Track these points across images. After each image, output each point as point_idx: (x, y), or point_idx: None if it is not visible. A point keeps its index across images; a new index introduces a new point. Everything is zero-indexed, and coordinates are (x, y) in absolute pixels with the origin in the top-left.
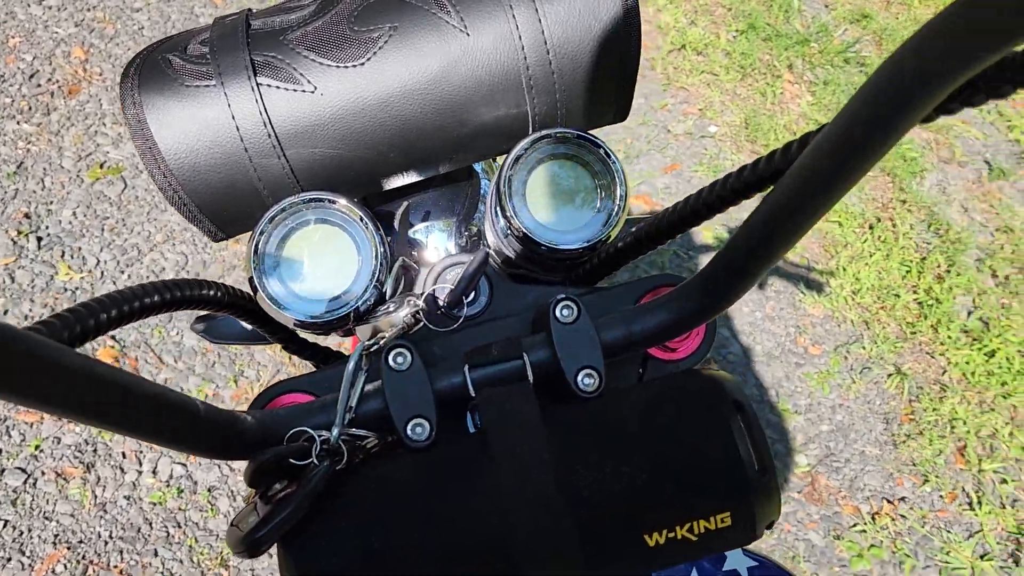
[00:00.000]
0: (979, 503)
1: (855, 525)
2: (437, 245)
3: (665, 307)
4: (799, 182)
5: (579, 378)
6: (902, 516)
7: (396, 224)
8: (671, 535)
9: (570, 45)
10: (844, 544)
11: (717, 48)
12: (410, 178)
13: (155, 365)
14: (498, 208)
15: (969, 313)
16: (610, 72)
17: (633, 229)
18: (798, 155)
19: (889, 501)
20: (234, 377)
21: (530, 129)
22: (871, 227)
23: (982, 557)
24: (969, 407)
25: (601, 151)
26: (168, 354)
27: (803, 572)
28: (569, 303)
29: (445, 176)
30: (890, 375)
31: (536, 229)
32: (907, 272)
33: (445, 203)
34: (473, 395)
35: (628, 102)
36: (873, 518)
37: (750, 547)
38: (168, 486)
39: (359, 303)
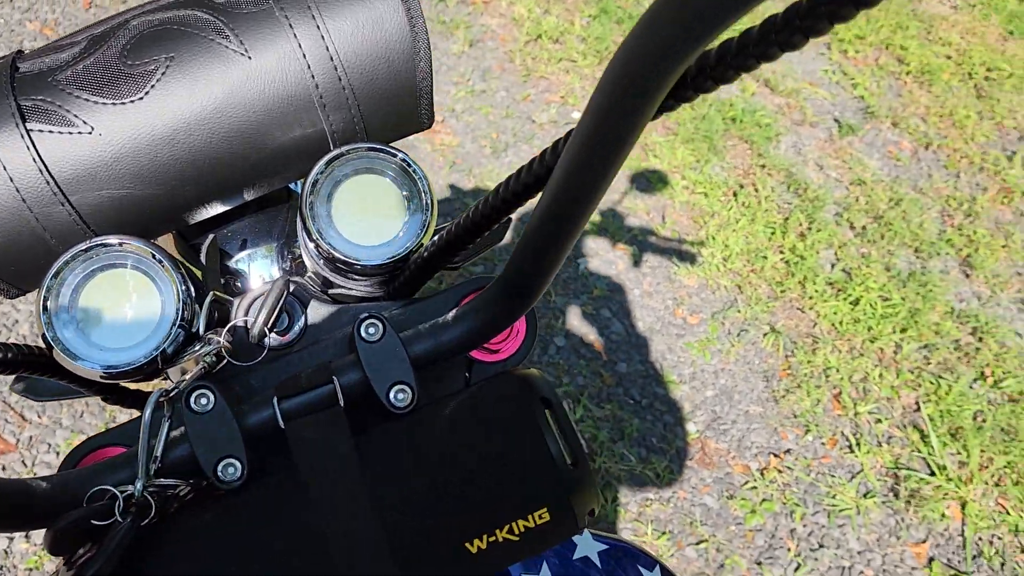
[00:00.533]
0: (858, 445)
1: (746, 483)
2: (261, 272)
3: (470, 315)
4: (565, 176)
5: (391, 395)
6: (788, 468)
7: (203, 258)
8: (492, 539)
9: (359, 59)
10: (737, 503)
11: (572, 35)
12: (216, 209)
13: (17, 424)
14: (304, 233)
15: (832, 266)
16: (405, 81)
17: (435, 237)
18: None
19: (775, 455)
20: (105, 424)
21: (330, 146)
22: (735, 194)
23: (865, 495)
24: (840, 355)
25: (400, 160)
26: (30, 410)
27: (702, 535)
28: (374, 321)
29: (261, 201)
30: (765, 334)
31: (346, 248)
32: (772, 233)
33: (262, 229)
34: (283, 427)
35: (430, 108)
36: (762, 474)
37: (611, 532)
38: None
39: (165, 346)
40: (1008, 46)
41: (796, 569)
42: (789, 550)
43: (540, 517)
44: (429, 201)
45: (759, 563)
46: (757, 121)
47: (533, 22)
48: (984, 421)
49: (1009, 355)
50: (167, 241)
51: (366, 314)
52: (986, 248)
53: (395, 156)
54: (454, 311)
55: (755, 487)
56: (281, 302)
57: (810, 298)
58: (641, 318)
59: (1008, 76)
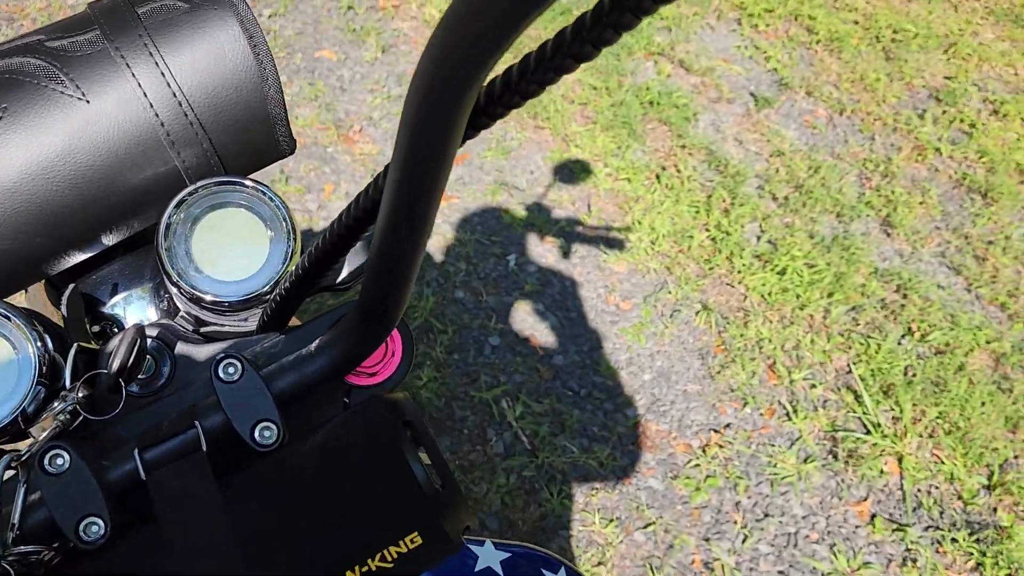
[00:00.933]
0: (795, 412)
1: (689, 462)
2: (139, 315)
3: (332, 344)
4: (391, 199)
5: (256, 433)
6: (729, 442)
7: (64, 308)
8: (365, 569)
9: (204, 92)
10: (682, 482)
11: None
12: (78, 257)
13: None
14: (165, 276)
15: (758, 238)
16: (256, 110)
17: (295, 266)
18: None
19: (716, 431)
20: None
21: (185, 182)
22: (658, 177)
23: (805, 461)
24: (772, 325)
25: (255, 190)
26: None
27: (649, 518)
28: (231, 361)
29: (132, 241)
30: (697, 312)
31: (209, 287)
32: (696, 212)
33: (134, 270)
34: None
35: (288, 135)
36: (704, 451)
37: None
38: None
39: (25, 404)
40: (912, 7)
41: (743, 541)
42: (735, 523)
43: (412, 541)
44: (290, 228)
45: (707, 539)
46: (674, 102)
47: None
48: (914, 376)
49: (933, 308)
50: (39, 290)
51: (223, 354)
52: (904, 206)
53: (248, 187)
54: (316, 341)
55: (698, 465)
56: (134, 350)
57: (738, 272)
58: (574, 309)
59: (913, 36)
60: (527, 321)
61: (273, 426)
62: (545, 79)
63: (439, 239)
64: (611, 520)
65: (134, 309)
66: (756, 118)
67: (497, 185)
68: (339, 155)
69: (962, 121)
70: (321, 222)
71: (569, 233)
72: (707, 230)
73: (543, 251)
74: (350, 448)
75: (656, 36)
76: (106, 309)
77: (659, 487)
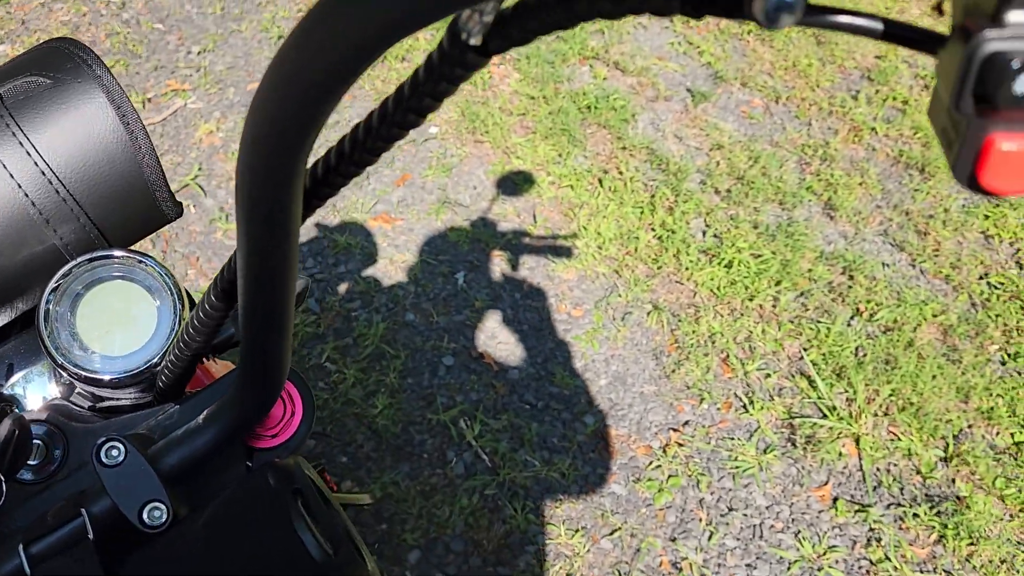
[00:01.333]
0: (751, 403)
1: (651, 463)
2: (40, 392)
3: (220, 414)
4: (244, 267)
5: (144, 515)
6: (689, 440)
7: None
8: None
9: (75, 167)
10: (644, 485)
11: (418, 50)
12: None
13: None
14: (50, 360)
15: (703, 233)
16: (133, 179)
17: (180, 334)
18: None
19: (675, 430)
20: None
21: (66, 259)
22: (600, 181)
23: (765, 451)
24: (723, 319)
25: (133, 260)
26: None
27: (615, 524)
28: (114, 444)
29: (27, 318)
30: (649, 313)
31: (96, 364)
32: (641, 213)
33: (27, 350)
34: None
35: (171, 200)
36: (664, 451)
37: None
38: None
39: None
40: None
41: (709, 538)
42: (700, 520)
43: None
44: (176, 295)
45: (673, 539)
46: (612, 105)
47: None
48: (865, 356)
49: (879, 287)
50: None
51: (104, 438)
52: (844, 188)
53: (124, 259)
54: (205, 412)
55: (659, 466)
56: (12, 442)
57: (686, 269)
58: (526, 321)
59: None
60: (480, 338)
61: (162, 506)
62: (363, 160)
63: (385, 263)
64: (577, 530)
65: (33, 388)
66: (694, 113)
67: (440, 203)
68: None
69: (895, 99)
70: None
71: (516, 246)
72: (653, 230)
73: (491, 266)
74: (240, 522)
75: (590, 40)
76: (4, 390)
77: (622, 492)
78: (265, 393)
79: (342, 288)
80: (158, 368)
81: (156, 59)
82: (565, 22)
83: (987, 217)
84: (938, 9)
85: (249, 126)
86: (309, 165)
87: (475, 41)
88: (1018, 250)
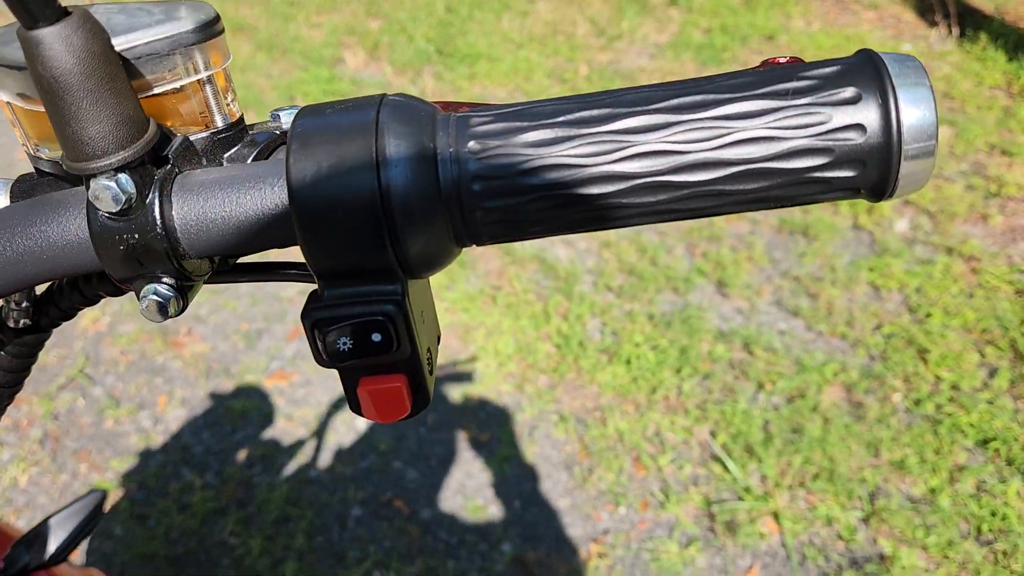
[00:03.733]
0: (668, 498)
1: None
2: None
3: None
4: None
5: None
6: (610, 547)
7: None
8: None
9: None
10: None
11: None
12: None
13: None
14: None
15: (600, 333)
16: None
17: None
18: None
19: (594, 540)
20: None
21: None
22: (494, 298)
23: (687, 545)
24: (629, 417)
25: None
26: None
27: None
28: None
29: None
30: (555, 423)
31: None
32: (537, 324)
33: None
34: None
35: None
36: (586, 565)
37: None
38: None
39: None
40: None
41: None
42: None
43: None
44: None
45: None
46: None
47: None
48: (772, 429)
49: (779, 357)
50: None
51: None
52: (733, 265)
53: None
54: None
55: None
56: None
57: (587, 372)
58: (434, 455)
59: None
60: (387, 482)
61: None
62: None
63: (284, 422)
64: None
65: None
66: None
67: None
68: (169, 362)
69: None
70: (160, 437)
71: None
72: (550, 338)
73: None
74: None
75: None
76: None
77: None
78: None
79: (241, 456)
80: None
81: None
82: (86, 301)
83: (872, 269)
84: None
85: None
86: None
87: (23, 324)
88: (907, 296)
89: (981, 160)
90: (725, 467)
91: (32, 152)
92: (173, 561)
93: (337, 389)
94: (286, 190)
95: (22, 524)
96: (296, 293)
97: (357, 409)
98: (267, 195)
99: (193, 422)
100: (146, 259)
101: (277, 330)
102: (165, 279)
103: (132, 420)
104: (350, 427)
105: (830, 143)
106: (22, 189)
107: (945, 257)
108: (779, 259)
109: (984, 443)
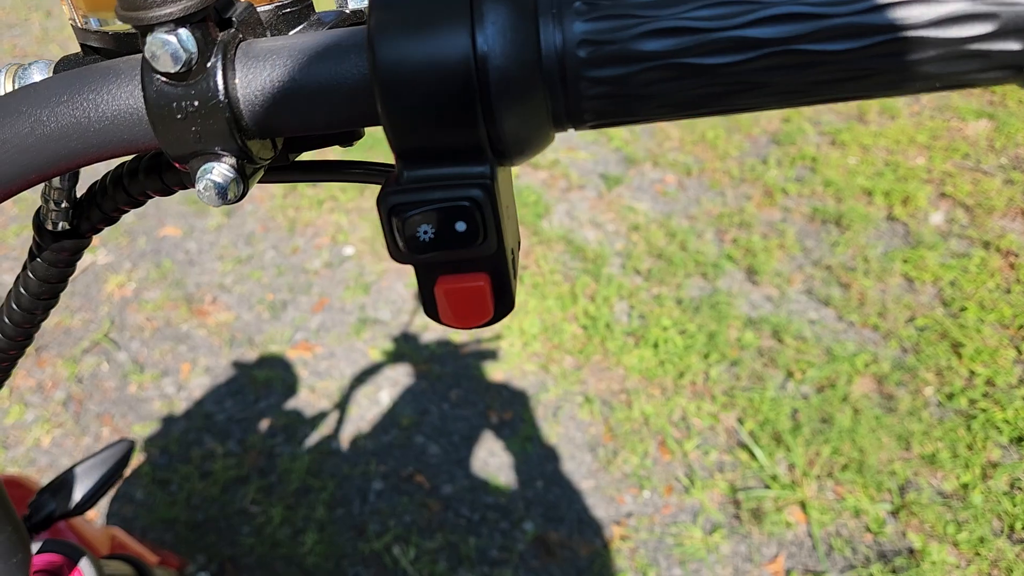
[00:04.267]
0: (693, 483)
1: (596, 563)
2: None
3: None
4: None
5: None
6: (633, 531)
7: None
8: None
9: None
10: None
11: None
12: None
13: None
14: None
15: (628, 316)
16: None
17: None
18: None
19: (617, 523)
20: None
21: None
22: (520, 278)
23: (712, 532)
24: (655, 401)
25: None
26: None
27: None
28: None
29: None
30: (580, 405)
31: None
32: (563, 305)
33: None
34: None
35: None
36: (608, 547)
37: None
38: None
39: None
40: None
41: None
42: None
43: None
44: None
45: None
46: (525, 201)
47: None
48: (801, 418)
49: (808, 346)
50: None
51: None
52: (764, 252)
53: None
54: None
55: (605, 564)
56: None
57: (614, 355)
58: (456, 431)
59: None
60: (409, 456)
61: None
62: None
63: (307, 393)
64: None
65: None
66: (609, 198)
67: (361, 323)
68: (194, 330)
69: (804, 158)
70: (182, 404)
71: (440, 355)
72: (576, 319)
73: (416, 379)
74: None
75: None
76: None
77: None
78: None
79: (263, 425)
80: None
81: None
82: (132, 202)
83: (906, 261)
84: None
85: None
86: None
87: (61, 227)
88: (941, 289)
89: (1021, 155)
90: (752, 454)
91: (79, 25)
92: (194, 527)
93: (360, 362)
94: (366, 56)
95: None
96: (321, 265)
97: (433, 312)
98: (344, 63)
99: (216, 390)
100: (205, 132)
101: (302, 301)
102: (225, 159)
103: (155, 386)
104: (372, 401)
105: (995, 7)
106: (67, 68)
107: (982, 251)
108: (810, 248)
109: (1019, 440)
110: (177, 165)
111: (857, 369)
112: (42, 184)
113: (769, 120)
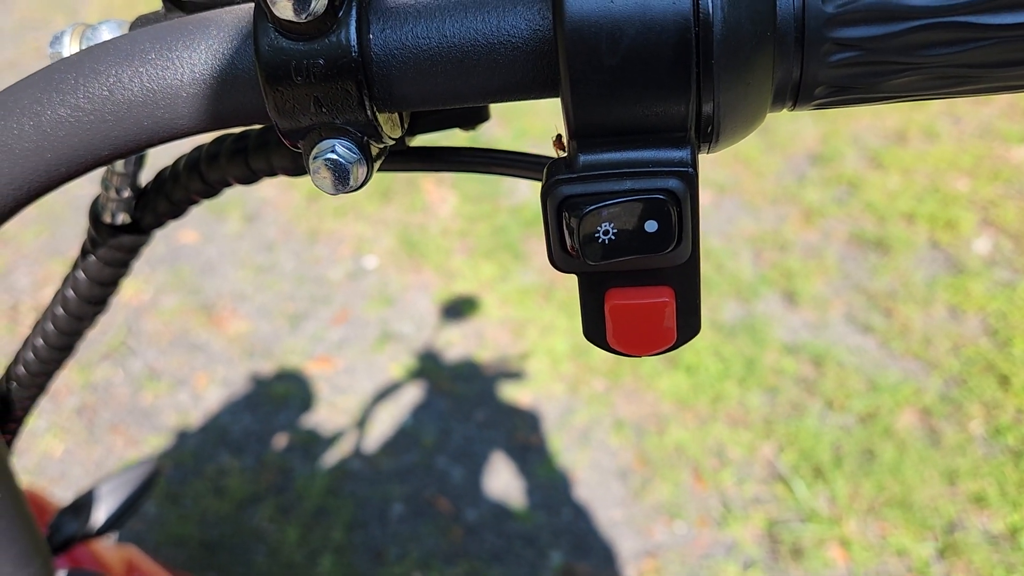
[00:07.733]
0: (728, 516)
1: None
2: None
3: None
4: None
5: None
6: (665, 565)
7: None
8: None
9: None
10: None
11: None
12: None
13: None
14: None
15: None
16: None
17: None
18: None
19: (648, 555)
20: None
21: None
22: (548, 295)
23: (747, 568)
24: (689, 427)
25: None
26: None
27: None
28: None
29: None
30: (611, 430)
31: None
32: None
33: None
34: None
35: None
36: None
37: None
38: None
39: None
40: None
41: None
42: None
43: None
44: None
45: None
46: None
47: (308, 180)
48: (842, 450)
49: (849, 375)
50: None
51: None
52: (802, 275)
53: None
54: None
55: None
56: None
57: (646, 378)
58: (481, 454)
59: None
60: (431, 478)
61: None
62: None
63: (326, 409)
64: None
65: None
66: None
67: (383, 337)
68: (211, 340)
69: (843, 179)
70: (198, 416)
71: (465, 374)
72: None
73: (439, 399)
74: None
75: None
76: None
77: None
78: None
79: (280, 441)
80: None
81: (82, 221)
82: (207, 191)
83: (950, 289)
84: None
85: None
86: None
87: (122, 220)
88: (986, 319)
89: None
90: (790, 488)
91: None
92: (206, 546)
93: (381, 378)
94: (548, 6)
95: (55, 495)
96: (343, 276)
97: (598, 334)
98: (512, 15)
99: (232, 403)
100: (329, 100)
101: (323, 313)
102: (347, 135)
103: (170, 396)
104: (394, 419)
105: None
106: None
107: None
108: (851, 272)
109: None
110: (286, 142)
111: (900, 400)
112: (102, 169)
113: (806, 139)
